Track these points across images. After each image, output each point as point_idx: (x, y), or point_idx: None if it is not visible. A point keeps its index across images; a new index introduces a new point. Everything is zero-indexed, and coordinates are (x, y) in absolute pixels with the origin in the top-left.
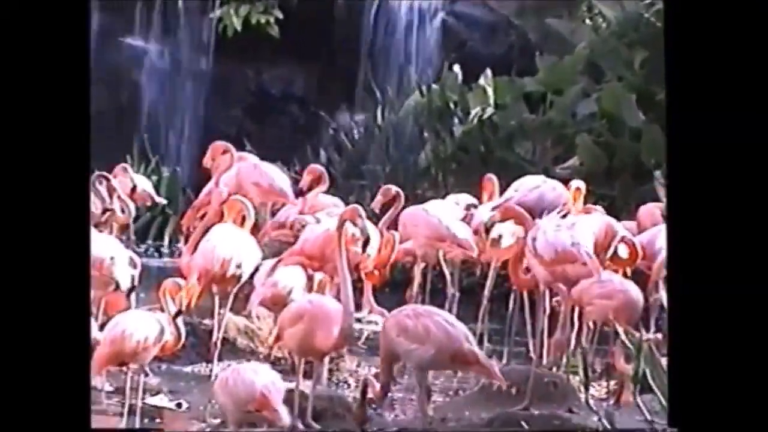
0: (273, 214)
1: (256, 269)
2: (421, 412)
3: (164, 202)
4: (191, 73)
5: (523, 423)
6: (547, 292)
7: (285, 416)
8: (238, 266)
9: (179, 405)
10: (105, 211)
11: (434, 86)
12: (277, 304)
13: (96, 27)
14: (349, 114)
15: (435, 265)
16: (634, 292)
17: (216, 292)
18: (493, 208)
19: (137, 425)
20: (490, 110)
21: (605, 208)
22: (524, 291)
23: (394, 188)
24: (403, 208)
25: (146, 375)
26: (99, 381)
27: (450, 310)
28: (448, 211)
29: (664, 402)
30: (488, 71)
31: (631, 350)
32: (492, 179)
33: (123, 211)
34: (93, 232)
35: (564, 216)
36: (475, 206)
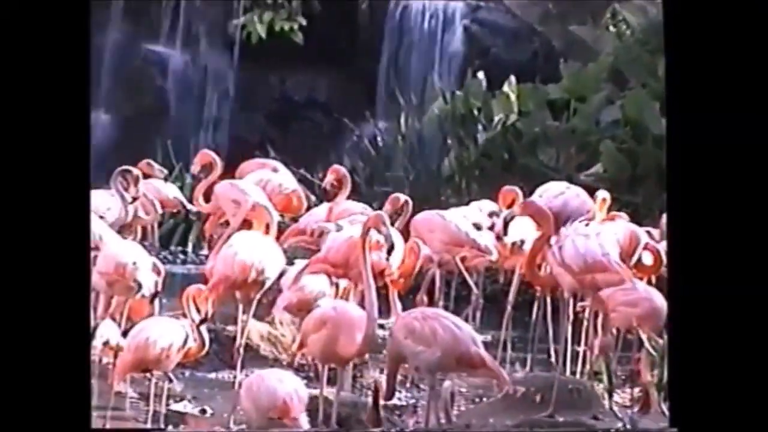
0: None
1: (280, 276)
2: (433, 415)
3: (194, 209)
4: (215, 80)
5: (547, 430)
6: (571, 300)
7: (305, 426)
8: (261, 272)
9: (203, 411)
10: (134, 199)
11: (458, 93)
12: (302, 309)
13: (121, 33)
14: (372, 121)
15: (459, 273)
16: (659, 299)
17: (239, 298)
18: (520, 204)
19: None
20: (513, 117)
21: (629, 215)
22: (545, 290)
23: (402, 197)
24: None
25: (170, 381)
26: (123, 387)
27: (474, 317)
28: (463, 217)
29: None
30: (512, 78)
31: (655, 357)
32: (513, 190)
33: (147, 213)
34: (116, 237)
35: (587, 223)
36: (497, 214)
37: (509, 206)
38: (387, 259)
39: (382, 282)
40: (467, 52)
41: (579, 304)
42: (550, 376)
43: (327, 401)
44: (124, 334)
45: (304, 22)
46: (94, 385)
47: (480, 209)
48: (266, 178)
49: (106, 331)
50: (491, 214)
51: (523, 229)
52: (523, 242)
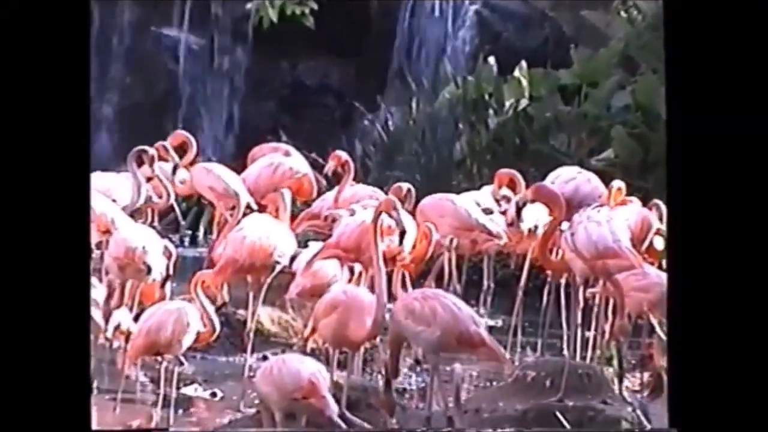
0: (308, 205)
1: (292, 260)
2: (440, 396)
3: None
4: (227, 65)
5: (558, 414)
6: (582, 285)
7: (332, 404)
8: (270, 256)
9: (213, 394)
10: (148, 179)
11: (469, 78)
12: (315, 294)
13: (132, 18)
14: (384, 105)
15: (469, 257)
16: None
17: (249, 282)
18: (531, 201)
19: (171, 415)
20: (525, 102)
21: (640, 200)
22: (557, 274)
23: (405, 186)
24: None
25: (181, 365)
26: (133, 371)
27: (485, 303)
28: (474, 202)
29: None
30: (523, 63)
31: (665, 342)
32: (510, 173)
33: (160, 197)
34: (127, 221)
35: (599, 208)
36: (509, 198)
37: (511, 189)
38: (399, 244)
39: (394, 267)
40: (479, 37)
41: (589, 290)
42: (561, 360)
43: (337, 385)
44: (136, 318)
45: (315, 7)
46: (105, 369)
47: (492, 194)
48: (277, 162)
49: (117, 316)
50: (502, 198)
51: (536, 214)
52: (536, 227)
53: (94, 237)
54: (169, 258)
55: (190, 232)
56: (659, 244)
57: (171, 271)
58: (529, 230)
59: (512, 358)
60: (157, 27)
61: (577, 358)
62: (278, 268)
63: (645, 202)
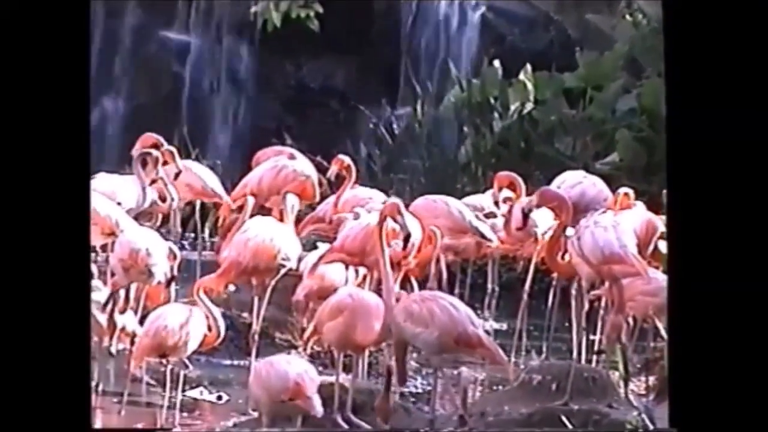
0: (312, 208)
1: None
2: (448, 398)
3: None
4: (231, 67)
5: (563, 418)
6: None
7: (318, 405)
8: (274, 258)
9: (219, 397)
10: (153, 182)
11: (474, 81)
12: (322, 297)
13: (137, 21)
14: (389, 108)
15: (474, 261)
16: None
17: (254, 284)
18: (537, 193)
19: (176, 418)
20: (530, 105)
21: (645, 204)
22: (564, 277)
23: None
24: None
25: (186, 367)
26: (138, 373)
27: (490, 306)
28: (477, 203)
29: None
30: (528, 66)
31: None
32: (510, 176)
33: (164, 200)
34: (132, 224)
35: (604, 212)
36: (511, 200)
37: (512, 191)
38: (404, 248)
39: (398, 270)
40: (484, 40)
41: (593, 292)
42: (566, 364)
43: (342, 388)
44: (141, 320)
45: (320, 10)
46: (110, 371)
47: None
48: (281, 165)
49: (122, 317)
50: (506, 200)
51: (541, 218)
52: (540, 230)
53: (99, 239)
54: (173, 260)
55: (192, 235)
56: (664, 247)
57: (175, 273)
58: (535, 234)
59: (517, 362)
60: (162, 30)
61: (583, 362)
62: (282, 271)
63: (650, 206)
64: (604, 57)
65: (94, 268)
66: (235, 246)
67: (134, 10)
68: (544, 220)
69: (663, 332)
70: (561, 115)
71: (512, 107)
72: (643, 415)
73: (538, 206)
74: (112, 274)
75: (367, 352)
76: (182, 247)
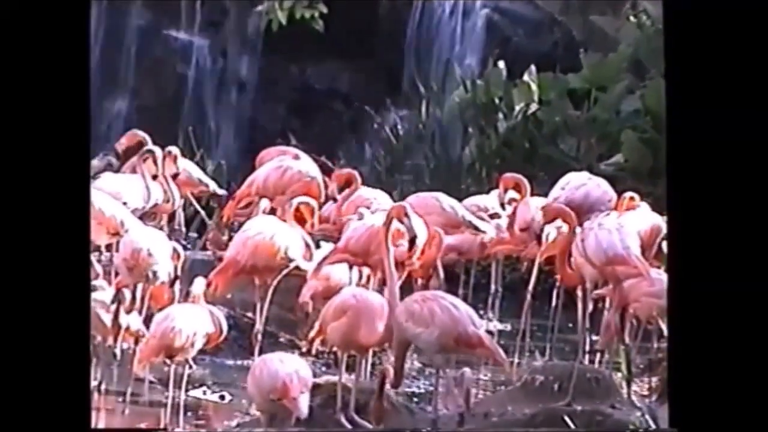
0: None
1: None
2: (451, 399)
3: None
4: (236, 68)
5: (566, 419)
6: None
7: (303, 407)
8: (274, 257)
9: (222, 397)
10: (154, 177)
11: (479, 82)
12: (327, 297)
13: (142, 21)
14: (393, 109)
15: (478, 261)
16: None
17: (258, 284)
18: (541, 209)
19: (180, 417)
20: (534, 106)
21: (649, 205)
22: (571, 285)
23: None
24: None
25: (190, 367)
26: (141, 372)
27: (493, 306)
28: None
29: None
30: (532, 67)
31: None
32: (514, 177)
33: (167, 201)
34: (136, 223)
35: (608, 213)
36: (515, 200)
37: (517, 192)
38: (409, 250)
39: (402, 271)
40: (488, 41)
41: (596, 292)
42: (569, 364)
43: (345, 388)
44: (145, 319)
45: (325, 10)
46: (114, 371)
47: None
48: (286, 165)
49: (126, 317)
50: (510, 201)
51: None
52: (547, 234)
53: (104, 239)
54: (177, 260)
55: (196, 234)
56: None
57: (179, 272)
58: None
59: (520, 362)
60: (166, 30)
61: (586, 362)
62: (284, 270)
63: (654, 207)
64: (609, 58)
65: (98, 267)
66: (234, 244)
67: (139, 11)
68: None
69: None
70: (565, 116)
71: (517, 108)
72: (646, 416)
73: (547, 223)
74: (117, 274)
75: (370, 352)
76: (185, 248)
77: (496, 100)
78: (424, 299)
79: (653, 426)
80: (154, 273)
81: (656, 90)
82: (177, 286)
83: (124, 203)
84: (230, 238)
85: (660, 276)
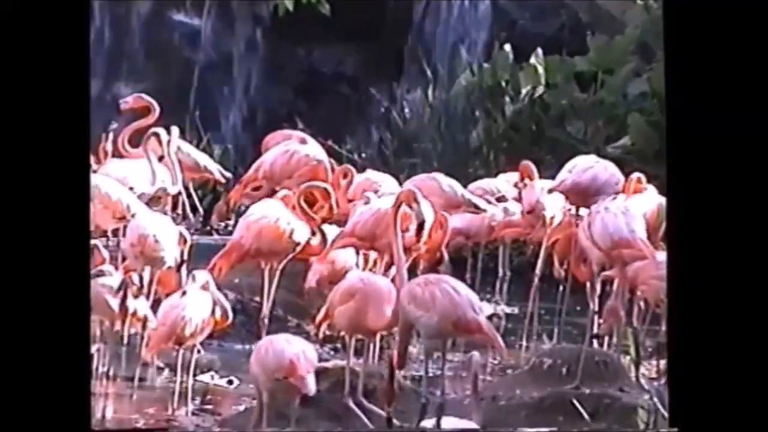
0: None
1: (305, 246)
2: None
3: (226, 177)
4: (243, 52)
5: (574, 402)
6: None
7: (311, 384)
8: (279, 240)
9: (230, 382)
10: (160, 158)
11: (485, 65)
12: (334, 282)
13: (149, 5)
14: (400, 93)
15: (485, 245)
16: None
17: (264, 268)
18: (549, 191)
19: (189, 402)
20: (541, 89)
21: (656, 188)
22: (582, 280)
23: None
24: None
25: (198, 352)
26: (149, 357)
27: (501, 290)
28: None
29: None
30: (539, 50)
31: None
32: (528, 165)
33: (173, 183)
34: (142, 208)
35: (615, 197)
36: (525, 185)
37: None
38: (417, 235)
39: (408, 255)
40: (494, 24)
41: (603, 273)
42: (577, 348)
43: (353, 373)
44: (153, 304)
45: None
46: (122, 356)
47: (507, 181)
48: (293, 149)
49: (133, 302)
50: (516, 185)
51: (553, 204)
52: (553, 217)
53: (111, 223)
54: (183, 244)
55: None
56: None
57: (185, 257)
58: (544, 217)
59: (528, 346)
60: (173, 14)
61: (594, 346)
62: (290, 255)
63: (661, 190)
64: (615, 41)
65: (105, 252)
66: (239, 228)
67: None
68: (554, 204)
69: None
70: (572, 99)
71: (523, 91)
72: (655, 399)
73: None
74: (124, 259)
75: (378, 337)
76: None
77: (503, 83)
78: (427, 282)
79: (661, 408)
80: (161, 258)
81: (663, 73)
82: (183, 270)
83: (131, 188)
84: (236, 223)
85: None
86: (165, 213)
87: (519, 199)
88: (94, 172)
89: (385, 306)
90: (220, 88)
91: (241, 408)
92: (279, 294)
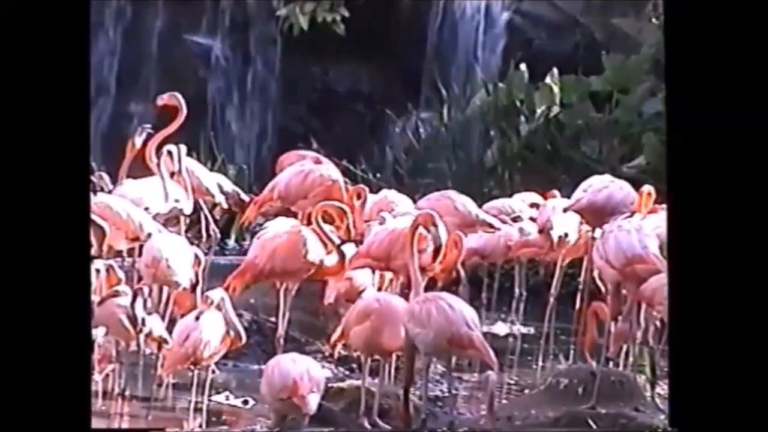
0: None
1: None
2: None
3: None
4: (258, 71)
5: (590, 422)
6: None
7: (311, 404)
8: (293, 260)
9: (245, 402)
10: (172, 174)
11: (500, 85)
12: (350, 300)
13: (163, 24)
14: (415, 112)
15: (501, 265)
16: None
17: (279, 288)
18: (564, 210)
19: (205, 422)
20: (556, 109)
21: None
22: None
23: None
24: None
25: (213, 372)
26: (166, 378)
27: (517, 310)
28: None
29: None
30: (554, 70)
31: None
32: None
33: (188, 199)
34: (156, 228)
35: (630, 216)
36: (538, 206)
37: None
38: (433, 260)
39: (423, 275)
40: (510, 43)
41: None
42: (593, 367)
43: (369, 392)
44: (168, 326)
45: (346, 14)
46: (139, 376)
47: (522, 200)
48: (308, 169)
49: (149, 322)
50: (532, 206)
51: (568, 222)
52: (567, 234)
53: (123, 244)
54: (198, 265)
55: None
56: None
57: (200, 278)
58: (560, 237)
59: (545, 365)
60: (188, 33)
61: (610, 365)
62: (304, 275)
63: None
64: (631, 60)
65: (120, 273)
66: (253, 247)
67: (161, 14)
68: (567, 223)
69: None
70: (587, 119)
71: (538, 111)
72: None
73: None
74: (140, 278)
75: (394, 357)
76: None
77: (518, 103)
78: (425, 300)
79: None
80: (175, 282)
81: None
82: (198, 291)
83: (146, 208)
84: (251, 242)
85: None
86: (181, 233)
87: (535, 219)
88: (110, 192)
89: (400, 326)
90: (235, 107)
91: (256, 428)
92: (294, 314)
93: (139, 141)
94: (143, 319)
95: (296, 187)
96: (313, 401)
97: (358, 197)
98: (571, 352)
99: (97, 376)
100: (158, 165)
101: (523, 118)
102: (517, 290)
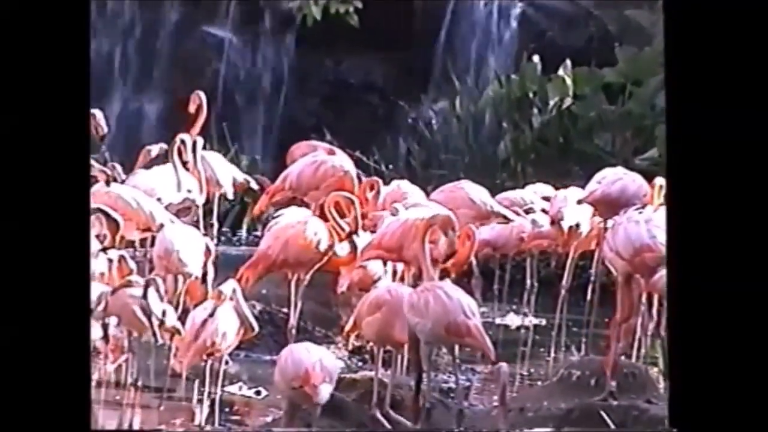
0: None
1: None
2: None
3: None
4: (270, 63)
5: (602, 413)
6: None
7: (323, 394)
8: (306, 251)
9: (258, 393)
10: (185, 163)
11: (513, 76)
12: (364, 289)
13: (176, 15)
14: (428, 104)
15: (513, 256)
16: None
17: (291, 278)
18: (578, 202)
19: (217, 413)
20: (569, 101)
21: None
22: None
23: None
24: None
25: (226, 363)
26: (179, 369)
27: (528, 302)
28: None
29: None
30: (567, 62)
31: None
32: None
33: (201, 192)
34: (168, 219)
35: (642, 208)
36: (548, 198)
37: None
38: (444, 262)
39: (435, 268)
40: (523, 35)
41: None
42: (605, 359)
43: (381, 384)
44: (181, 316)
45: (359, 5)
46: (151, 366)
47: (535, 192)
48: (320, 160)
49: (161, 308)
50: (545, 198)
51: (579, 213)
52: (579, 225)
53: (136, 235)
54: (208, 256)
55: (228, 229)
56: None
57: (210, 269)
58: (571, 228)
59: (557, 357)
60: (201, 25)
61: (622, 357)
62: (316, 265)
63: None
64: (644, 53)
65: (132, 263)
66: (266, 238)
67: (173, 6)
68: (580, 215)
69: None
70: (600, 111)
71: (551, 103)
72: None
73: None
74: (152, 269)
75: (406, 348)
76: (219, 242)
77: (531, 95)
78: (423, 289)
79: None
80: (187, 272)
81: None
82: (209, 281)
83: (158, 198)
84: (263, 233)
85: None
86: (193, 223)
87: (547, 211)
88: (122, 182)
89: None
90: (248, 99)
91: (269, 419)
92: (307, 305)
93: (153, 153)
94: (164, 311)
95: (308, 177)
96: (325, 391)
97: (371, 189)
98: (583, 343)
99: (109, 366)
100: (171, 154)
101: (536, 110)
102: (528, 282)
